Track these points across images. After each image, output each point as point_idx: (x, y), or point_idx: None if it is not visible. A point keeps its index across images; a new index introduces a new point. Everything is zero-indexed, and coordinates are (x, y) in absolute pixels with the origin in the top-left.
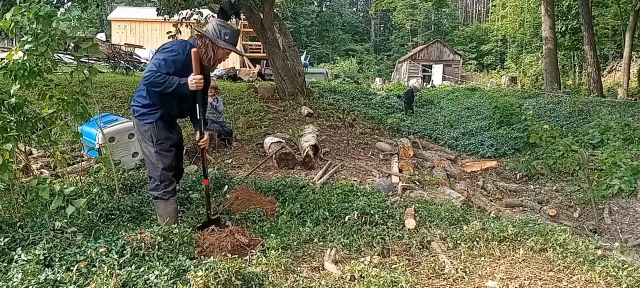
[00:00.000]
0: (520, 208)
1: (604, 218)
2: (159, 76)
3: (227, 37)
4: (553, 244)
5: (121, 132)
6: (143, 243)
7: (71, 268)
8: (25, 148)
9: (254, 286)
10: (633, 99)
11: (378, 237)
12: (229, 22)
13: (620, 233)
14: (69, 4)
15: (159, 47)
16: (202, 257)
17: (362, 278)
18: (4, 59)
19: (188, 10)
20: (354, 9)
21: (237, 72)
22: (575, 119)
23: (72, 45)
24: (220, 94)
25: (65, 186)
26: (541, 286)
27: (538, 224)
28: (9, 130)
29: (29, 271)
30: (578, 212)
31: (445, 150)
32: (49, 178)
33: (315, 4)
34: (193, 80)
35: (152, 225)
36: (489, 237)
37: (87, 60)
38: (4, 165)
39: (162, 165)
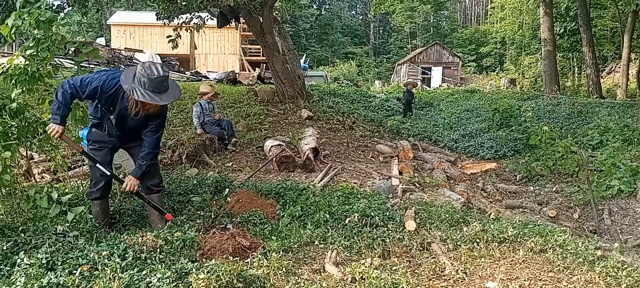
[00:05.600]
0: (520, 209)
1: (603, 219)
2: (64, 92)
3: (146, 86)
4: (553, 245)
5: None
6: (145, 247)
7: (74, 271)
8: (26, 152)
9: None
10: (632, 100)
11: (378, 239)
12: (157, 71)
13: (620, 234)
14: (69, 8)
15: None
16: (203, 259)
17: (362, 280)
18: (4, 64)
19: (188, 14)
20: (353, 12)
21: (237, 75)
22: (575, 121)
23: (72, 49)
24: (215, 100)
25: (62, 193)
26: (541, 287)
27: (538, 225)
28: (10, 135)
29: (32, 275)
30: (578, 213)
31: (445, 152)
32: (46, 186)
33: (315, 7)
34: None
35: (153, 228)
36: (489, 238)
37: (87, 65)
38: (5, 169)
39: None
